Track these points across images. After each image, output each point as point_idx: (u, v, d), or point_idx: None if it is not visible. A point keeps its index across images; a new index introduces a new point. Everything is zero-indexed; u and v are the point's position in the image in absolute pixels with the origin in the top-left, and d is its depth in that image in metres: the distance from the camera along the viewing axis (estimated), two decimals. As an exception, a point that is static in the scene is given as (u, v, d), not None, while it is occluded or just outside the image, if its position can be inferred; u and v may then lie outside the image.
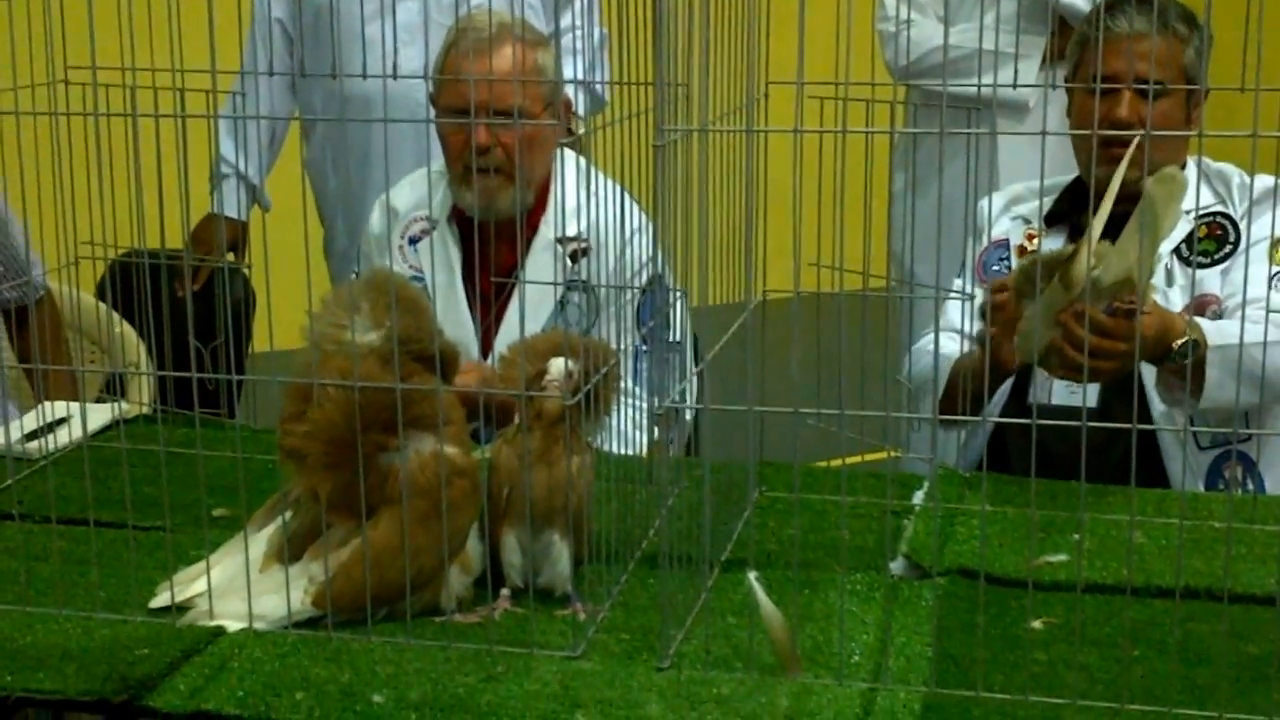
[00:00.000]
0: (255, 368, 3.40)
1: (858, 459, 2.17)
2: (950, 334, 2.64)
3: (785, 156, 1.82)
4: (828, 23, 1.86)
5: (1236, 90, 1.70)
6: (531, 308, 2.43)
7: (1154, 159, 2.29)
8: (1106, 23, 2.57)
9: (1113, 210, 2.14)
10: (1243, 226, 2.60)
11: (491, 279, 2.72)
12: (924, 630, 1.89)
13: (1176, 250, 2.62)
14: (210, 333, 2.45)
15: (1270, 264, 2.54)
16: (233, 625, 1.88)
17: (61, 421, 2.51)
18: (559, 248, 2.66)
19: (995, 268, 2.72)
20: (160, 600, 1.95)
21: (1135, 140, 2.22)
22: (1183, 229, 2.58)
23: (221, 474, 2.18)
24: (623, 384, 2.25)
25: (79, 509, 2.17)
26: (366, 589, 1.85)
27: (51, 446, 2.47)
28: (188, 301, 2.20)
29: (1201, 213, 2.62)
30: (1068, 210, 2.71)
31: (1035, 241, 2.69)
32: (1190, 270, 2.59)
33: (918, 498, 2.32)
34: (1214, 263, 2.60)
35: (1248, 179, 2.62)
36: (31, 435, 2.51)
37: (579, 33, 3.44)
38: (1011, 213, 2.79)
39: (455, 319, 2.76)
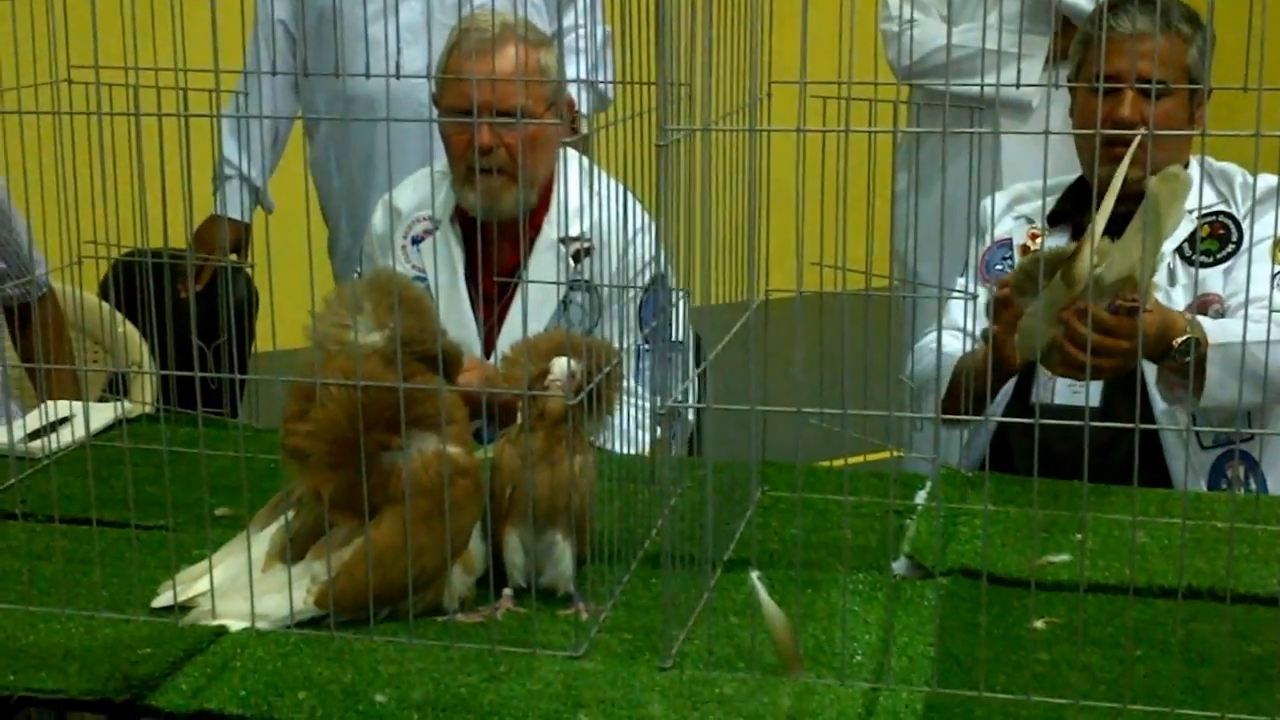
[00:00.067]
0: (258, 367, 3.41)
1: (860, 459, 2.17)
2: (953, 332, 2.64)
3: (788, 156, 1.82)
4: (831, 22, 1.86)
5: (1239, 90, 1.69)
6: (534, 307, 2.43)
7: (1157, 159, 2.29)
8: (1109, 22, 2.57)
9: (1116, 210, 2.14)
10: (1245, 226, 2.60)
11: (494, 279, 2.72)
12: (926, 630, 1.89)
13: (1179, 250, 2.62)
14: (213, 332, 2.45)
15: (1272, 263, 2.54)
16: (235, 625, 1.88)
17: (64, 421, 2.51)
18: (562, 248, 2.66)
19: (998, 267, 2.72)
20: (163, 600, 1.95)
21: (1136, 139, 2.22)
22: (1185, 228, 2.58)
23: (224, 473, 2.18)
24: (625, 383, 2.25)
25: (82, 508, 2.17)
26: (369, 588, 1.85)
27: (54, 446, 2.47)
28: (190, 301, 2.20)
29: (1204, 212, 2.62)
30: (1070, 210, 2.71)
31: (1038, 241, 2.69)
32: (1193, 270, 2.59)
33: (920, 497, 2.32)
34: (1216, 262, 2.60)
35: (1250, 178, 2.62)
36: (34, 434, 2.51)
37: (582, 31, 3.44)
38: (1014, 212, 2.79)
39: (458, 319, 2.76)
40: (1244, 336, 2.12)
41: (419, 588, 1.89)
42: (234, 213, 3.46)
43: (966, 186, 1.90)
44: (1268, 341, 2.29)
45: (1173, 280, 2.61)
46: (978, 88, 2.00)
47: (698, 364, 2.32)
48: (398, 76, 1.94)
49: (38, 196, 2.16)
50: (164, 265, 2.19)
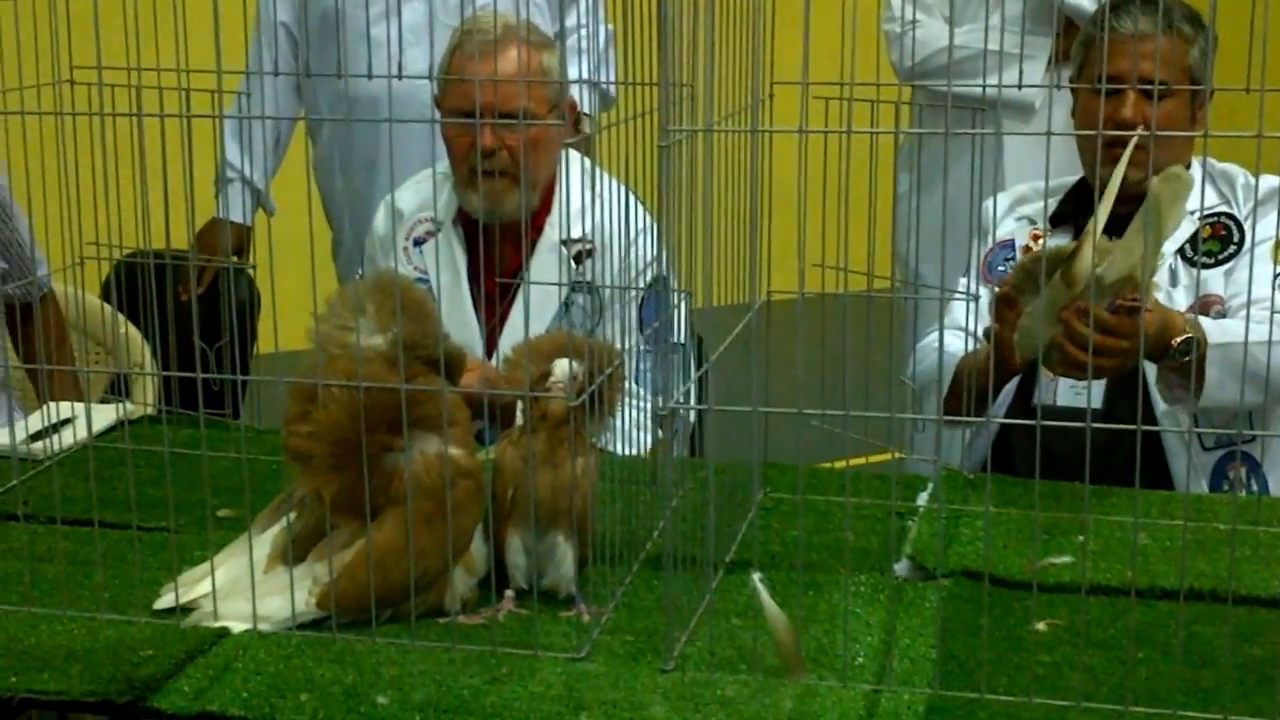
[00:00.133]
0: (260, 369, 3.41)
1: (862, 460, 2.17)
2: (955, 331, 2.64)
3: (790, 157, 1.82)
4: (833, 23, 1.86)
5: (1241, 91, 1.69)
6: (536, 309, 2.43)
7: (1159, 160, 2.29)
8: (1111, 23, 2.57)
9: (1117, 210, 2.14)
10: (1247, 227, 2.60)
11: (496, 280, 2.72)
12: (928, 632, 1.89)
13: (1181, 251, 2.62)
14: (215, 333, 2.45)
15: (1274, 264, 2.54)
16: (237, 626, 1.88)
17: (66, 422, 2.51)
18: (563, 249, 2.66)
19: (1000, 268, 2.72)
20: (165, 601, 1.95)
21: (1133, 139, 2.22)
22: (1187, 229, 2.58)
23: (226, 475, 2.18)
24: (631, 385, 2.25)
25: (84, 510, 2.17)
26: (371, 590, 1.85)
27: (56, 447, 2.47)
28: (193, 302, 2.20)
29: (1206, 213, 2.62)
30: (1073, 211, 2.71)
31: (1040, 242, 2.69)
32: (1194, 271, 2.59)
33: (922, 499, 2.32)
34: (1218, 263, 2.60)
35: (1252, 179, 2.62)
36: (36, 436, 2.51)
37: (584, 32, 3.44)
38: (1016, 213, 2.79)
39: (460, 320, 2.76)
40: (1245, 337, 2.12)
41: (421, 589, 1.89)
42: (236, 216, 3.46)
43: (968, 188, 1.90)
44: (1269, 342, 2.29)
45: (1174, 281, 2.61)
46: (980, 89, 2.00)
47: (699, 365, 2.32)
48: (399, 77, 1.94)
49: (40, 197, 2.16)
50: (166, 266, 2.19)
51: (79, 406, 2.54)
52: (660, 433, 1.95)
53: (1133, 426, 1.69)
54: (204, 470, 1.95)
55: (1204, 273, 2.59)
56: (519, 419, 1.96)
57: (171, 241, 2.14)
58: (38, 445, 2.49)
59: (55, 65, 2.08)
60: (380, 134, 3.42)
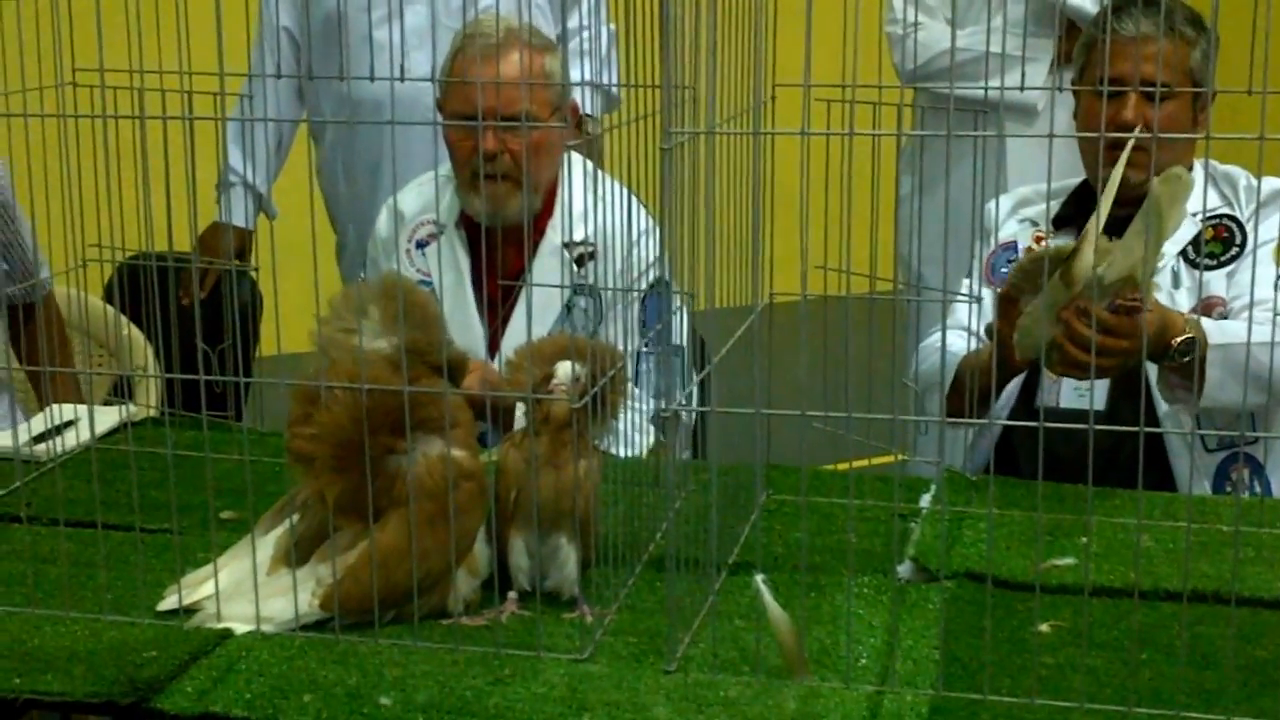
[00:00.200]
0: (263, 371, 3.41)
1: (865, 462, 2.17)
2: (958, 331, 2.64)
3: (792, 159, 1.82)
4: (835, 25, 1.86)
5: (1243, 93, 1.69)
6: (538, 312, 2.43)
7: (1160, 161, 2.29)
8: (1113, 25, 2.57)
9: (1118, 212, 2.13)
10: (1249, 229, 2.60)
11: (499, 283, 2.73)
12: (931, 633, 1.89)
13: (1183, 253, 2.62)
14: (217, 335, 2.45)
15: (1276, 266, 2.54)
16: (240, 628, 1.88)
17: (69, 424, 2.52)
18: (565, 252, 2.66)
19: (1003, 270, 2.72)
20: (168, 603, 1.95)
21: (1131, 140, 2.22)
22: (1188, 230, 2.58)
23: (229, 476, 2.18)
24: (630, 387, 2.25)
25: (87, 511, 2.17)
26: (374, 592, 1.85)
27: (60, 449, 2.47)
28: (195, 304, 2.20)
29: (1208, 215, 2.62)
30: (1075, 213, 2.71)
31: (1042, 244, 2.69)
32: (1196, 273, 2.59)
33: (925, 501, 2.32)
34: (1220, 265, 2.60)
35: (1254, 181, 2.62)
36: (40, 438, 2.52)
37: (587, 34, 3.44)
38: (1019, 215, 2.79)
39: (463, 323, 2.76)
40: (1248, 339, 2.12)
41: (424, 591, 1.89)
42: (238, 220, 3.46)
43: (971, 190, 1.90)
44: (1271, 344, 2.29)
45: (1177, 283, 2.61)
46: (982, 91, 2.00)
47: (701, 368, 2.32)
48: (402, 79, 1.94)
49: (43, 199, 2.16)
50: (169, 269, 2.19)
51: (82, 409, 2.54)
52: (661, 435, 1.94)
53: (1136, 428, 1.69)
54: (207, 472, 1.95)
55: (1206, 275, 2.59)
56: (519, 420, 1.96)
57: (174, 244, 2.14)
58: (41, 447, 2.49)
59: (58, 67, 2.08)
60: (383, 137, 3.42)
